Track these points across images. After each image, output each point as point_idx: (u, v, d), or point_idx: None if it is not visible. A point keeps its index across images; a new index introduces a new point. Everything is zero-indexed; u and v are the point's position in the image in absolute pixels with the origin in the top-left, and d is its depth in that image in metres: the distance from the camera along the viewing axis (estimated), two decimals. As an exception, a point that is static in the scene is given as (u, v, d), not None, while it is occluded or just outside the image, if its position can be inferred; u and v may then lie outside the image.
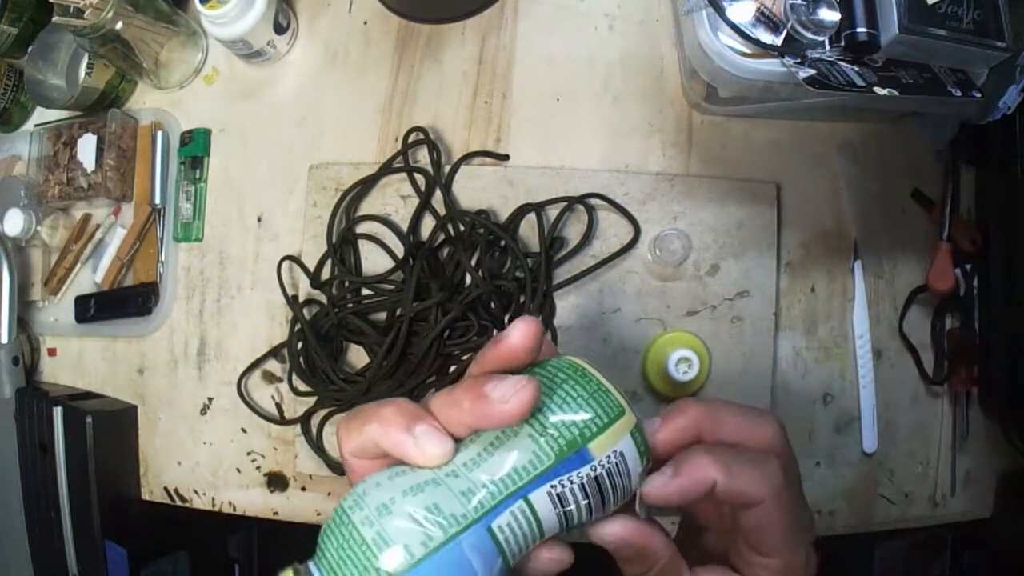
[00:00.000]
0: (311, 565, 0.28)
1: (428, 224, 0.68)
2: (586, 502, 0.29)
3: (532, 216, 0.65)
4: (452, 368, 0.65)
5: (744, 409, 0.33)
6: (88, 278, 0.75)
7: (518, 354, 0.30)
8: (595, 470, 0.29)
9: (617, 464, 0.29)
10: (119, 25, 0.64)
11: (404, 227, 0.68)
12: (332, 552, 0.27)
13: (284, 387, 0.69)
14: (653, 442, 0.31)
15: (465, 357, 0.64)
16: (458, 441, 0.29)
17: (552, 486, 0.28)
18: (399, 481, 0.28)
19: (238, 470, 0.70)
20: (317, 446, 0.67)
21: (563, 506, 0.29)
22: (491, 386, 0.28)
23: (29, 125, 0.78)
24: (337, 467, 0.66)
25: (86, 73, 0.72)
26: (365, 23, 0.72)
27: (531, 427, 0.29)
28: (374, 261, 0.68)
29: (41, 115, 0.78)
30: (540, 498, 0.28)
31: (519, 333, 0.30)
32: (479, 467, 0.28)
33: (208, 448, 0.71)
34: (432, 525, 0.27)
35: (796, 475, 0.33)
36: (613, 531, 0.30)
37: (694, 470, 0.30)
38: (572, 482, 0.28)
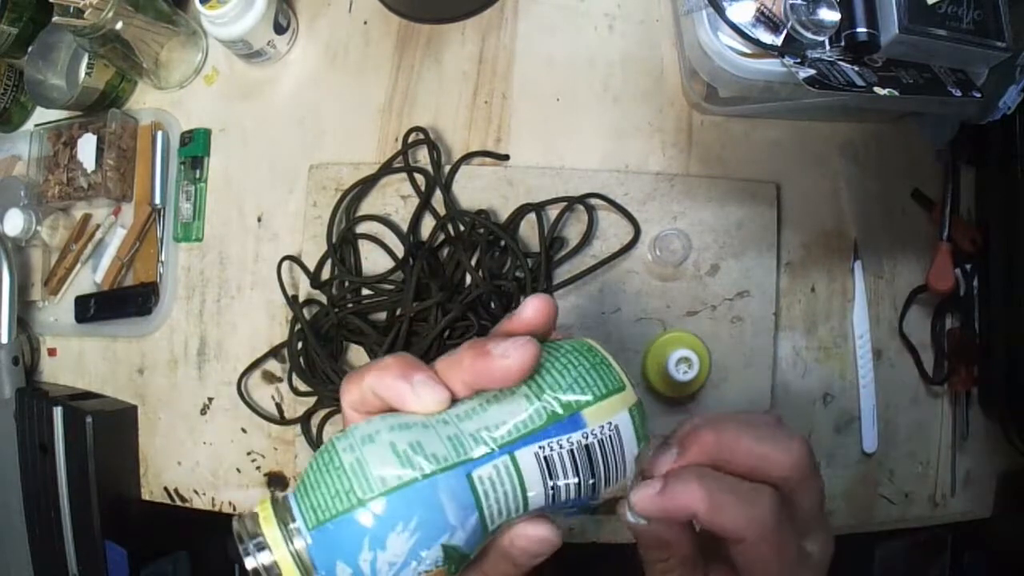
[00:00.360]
0: (289, 494, 0.28)
1: (428, 224, 0.68)
2: (576, 479, 0.28)
3: (532, 216, 0.65)
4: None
5: (766, 433, 0.31)
6: (88, 278, 0.75)
7: (531, 328, 0.31)
8: (587, 438, 0.28)
9: (611, 437, 0.29)
10: (119, 25, 0.64)
11: (404, 227, 0.68)
12: (311, 477, 0.27)
13: (284, 387, 0.69)
14: (669, 472, 0.30)
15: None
16: (456, 400, 0.29)
17: (541, 447, 0.28)
18: (389, 419, 0.28)
19: (238, 470, 0.70)
20: (317, 446, 0.67)
21: (551, 474, 0.28)
22: (494, 344, 0.29)
23: (29, 125, 0.78)
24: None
25: (86, 73, 0.72)
26: (365, 23, 0.72)
27: (528, 388, 0.29)
28: (374, 261, 0.68)
29: (41, 115, 0.78)
30: (527, 458, 0.28)
31: (532, 308, 0.31)
32: (470, 419, 0.28)
33: (208, 448, 0.71)
34: (411, 461, 0.27)
35: (809, 506, 0.31)
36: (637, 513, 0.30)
37: (678, 495, 0.29)
38: (562, 447, 0.28)
